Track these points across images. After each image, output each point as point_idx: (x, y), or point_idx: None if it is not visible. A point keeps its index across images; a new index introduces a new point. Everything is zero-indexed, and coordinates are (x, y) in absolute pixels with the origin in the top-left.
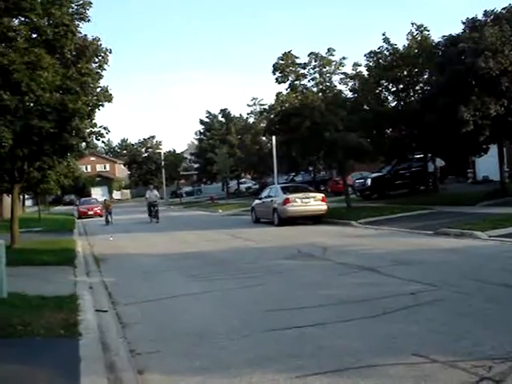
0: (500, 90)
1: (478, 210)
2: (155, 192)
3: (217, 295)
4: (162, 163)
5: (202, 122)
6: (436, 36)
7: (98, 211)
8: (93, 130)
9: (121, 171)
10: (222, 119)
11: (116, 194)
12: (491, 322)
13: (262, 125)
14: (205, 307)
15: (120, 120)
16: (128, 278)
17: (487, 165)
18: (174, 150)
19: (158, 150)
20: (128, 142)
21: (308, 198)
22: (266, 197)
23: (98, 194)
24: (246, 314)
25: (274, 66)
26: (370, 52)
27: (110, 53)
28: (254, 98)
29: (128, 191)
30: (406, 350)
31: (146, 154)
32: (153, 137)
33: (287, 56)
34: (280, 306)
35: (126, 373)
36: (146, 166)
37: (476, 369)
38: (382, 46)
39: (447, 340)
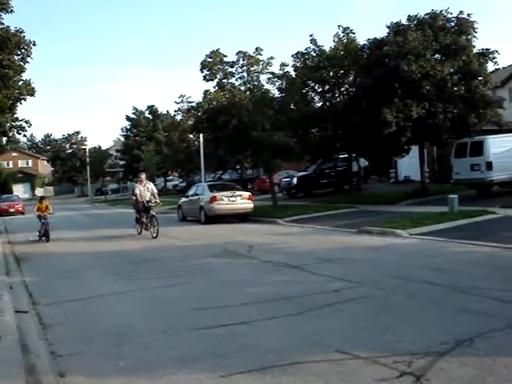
0: (421, 93)
1: (400, 209)
2: (150, 185)
3: (142, 294)
4: (87, 160)
5: (128, 118)
6: (362, 39)
7: (20, 208)
8: (14, 124)
9: (44, 167)
10: (149, 116)
11: (39, 191)
12: (412, 318)
13: (189, 122)
14: (129, 306)
15: (44, 115)
16: (50, 277)
17: (408, 165)
18: (100, 147)
19: (83, 146)
20: (52, 137)
21: (235, 196)
22: (192, 195)
23: (19, 190)
24: (172, 313)
25: (201, 63)
26: (298, 53)
27: (33, 45)
28: (181, 96)
29: (51, 188)
30: (329, 347)
31: (70, 150)
32: (77, 132)
33: (215, 54)
34: (206, 304)
35: (46, 375)
36: (70, 163)
37: (397, 364)
38: (309, 47)
39: (369, 336)
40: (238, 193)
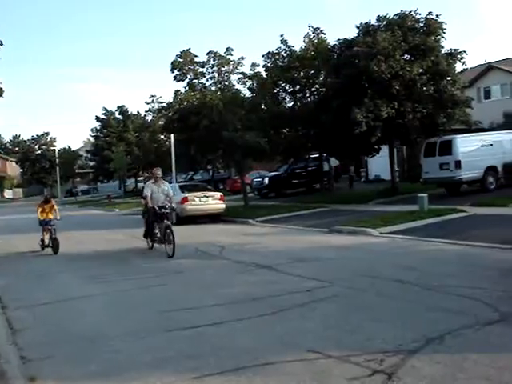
0: (391, 93)
1: (370, 208)
2: (166, 185)
3: (113, 297)
4: (57, 161)
5: (98, 118)
6: (332, 39)
7: None
8: None
9: (13, 169)
10: (120, 116)
11: (8, 193)
12: (382, 317)
13: (160, 123)
14: (101, 309)
15: (12, 116)
16: (20, 280)
17: (379, 164)
18: (69, 148)
19: (52, 148)
20: (20, 138)
21: (206, 196)
22: None
23: None
24: (144, 315)
25: (172, 63)
26: (268, 53)
27: (0, 45)
28: (152, 96)
29: (20, 190)
30: (301, 347)
31: (39, 152)
32: (47, 133)
33: (186, 54)
34: (177, 306)
35: (16, 381)
36: (39, 164)
37: (368, 363)
38: (280, 48)
39: (341, 335)
40: (209, 193)
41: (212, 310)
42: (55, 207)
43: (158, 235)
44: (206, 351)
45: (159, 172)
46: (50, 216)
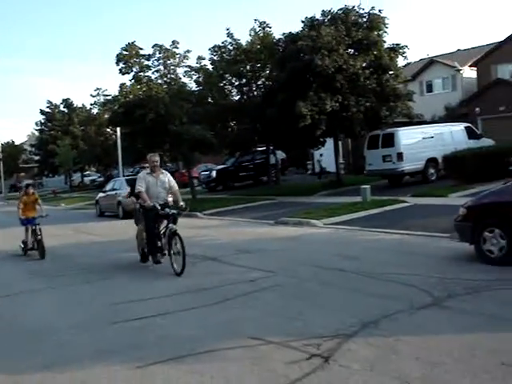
0: (335, 87)
1: (316, 200)
2: (167, 176)
3: (59, 291)
4: (0, 155)
5: (42, 112)
6: (277, 33)
7: None
8: None
9: None
10: (65, 109)
11: None
12: (322, 304)
13: (106, 116)
14: (46, 304)
15: None
16: None
17: (324, 157)
18: (13, 142)
19: None
20: None
21: None
22: (110, 190)
23: None
24: (88, 308)
25: (117, 56)
26: (214, 46)
27: None
28: (97, 89)
29: None
30: (243, 334)
31: None
32: None
33: (131, 47)
34: (122, 299)
35: None
36: None
37: (307, 347)
38: (226, 41)
39: (281, 322)
40: None
41: (157, 301)
42: (39, 200)
43: (161, 245)
44: (151, 341)
45: (157, 159)
46: (33, 213)
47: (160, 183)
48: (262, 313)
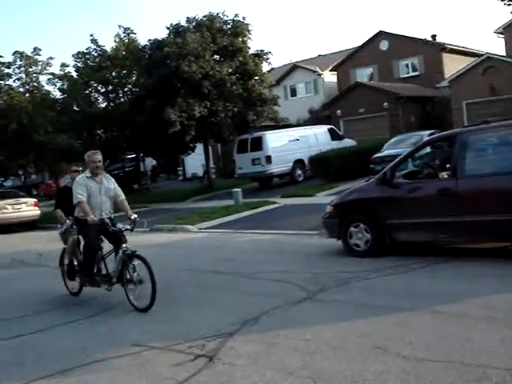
0: (203, 93)
1: (189, 205)
2: (111, 182)
3: None
4: None
5: None
6: (143, 39)
7: None
8: None
9: None
10: None
11: None
12: (202, 306)
13: None
14: None
15: None
16: None
17: (195, 162)
18: None
19: None
20: None
21: (19, 203)
22: None
23: None
24: None
25: None
26: (78, 53)
27: None
28: None
29: None
30: (126, 342)
31: None
32: None
33: None
34: None
35: None
36: None
37: (191, 349)
38: (90, 47)
39: (163, 328)
40: (22, 200)
41: (34, 318)
42: None
43: (104, 272)
44: (32, 358)
45: (99, 157)
46: None
47: (104, 191)
48: (143, 320)
